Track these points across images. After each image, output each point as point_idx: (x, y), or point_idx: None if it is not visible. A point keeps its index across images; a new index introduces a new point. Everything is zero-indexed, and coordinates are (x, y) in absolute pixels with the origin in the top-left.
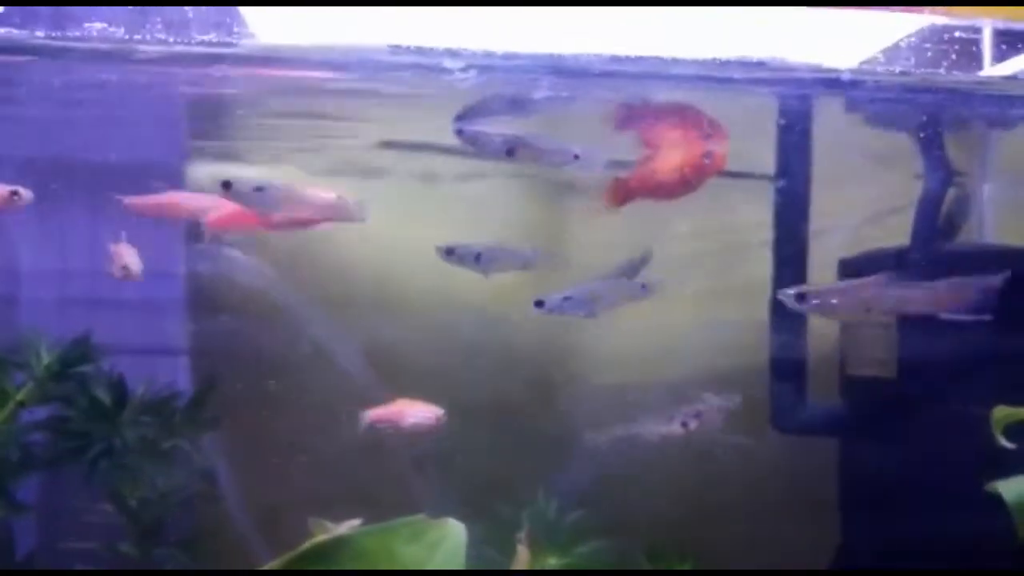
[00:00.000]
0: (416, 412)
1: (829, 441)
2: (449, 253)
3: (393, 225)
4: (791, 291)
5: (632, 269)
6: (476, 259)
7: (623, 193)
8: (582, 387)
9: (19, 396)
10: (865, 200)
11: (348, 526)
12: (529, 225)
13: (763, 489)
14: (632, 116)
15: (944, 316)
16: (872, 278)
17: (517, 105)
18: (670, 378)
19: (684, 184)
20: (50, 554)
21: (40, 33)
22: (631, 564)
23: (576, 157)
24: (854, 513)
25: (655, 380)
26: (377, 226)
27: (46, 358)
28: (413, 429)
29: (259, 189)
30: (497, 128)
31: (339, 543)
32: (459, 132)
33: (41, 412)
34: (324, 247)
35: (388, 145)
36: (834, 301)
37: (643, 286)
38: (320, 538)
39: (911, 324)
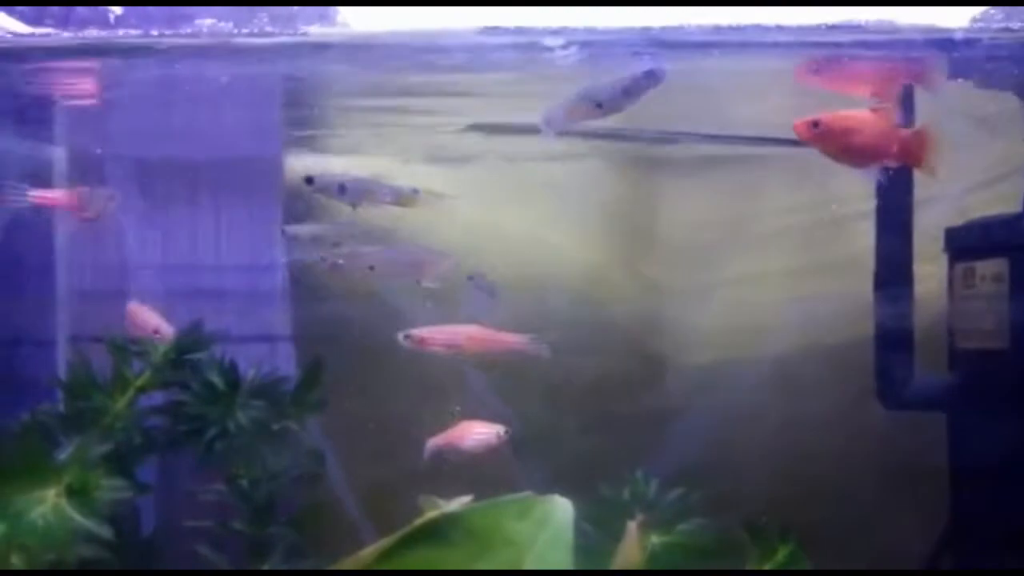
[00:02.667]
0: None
1: (938, 416)
2: (308, 182)
3: (486, 208)
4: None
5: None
6: (340, 190)
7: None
8: (681, 364)
9: (138, 382)
10: (972, 167)
11: (458, 503)
12: (618, 204)
13: (869, 465)
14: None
15: None
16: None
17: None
18: (773, 354)
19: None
20: (170, 532)
21: (155, 32)
22: (732, 541)
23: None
24: (964, 489)
25: (757, 356)
26: (471, 210)
27: (162, 346)
28: (474, 450)
29: (342, 187)
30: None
31: (450, 520)
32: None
33: (158, 397)
34: (419, 233)
35: (479, 128)
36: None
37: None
38: (431, 514)
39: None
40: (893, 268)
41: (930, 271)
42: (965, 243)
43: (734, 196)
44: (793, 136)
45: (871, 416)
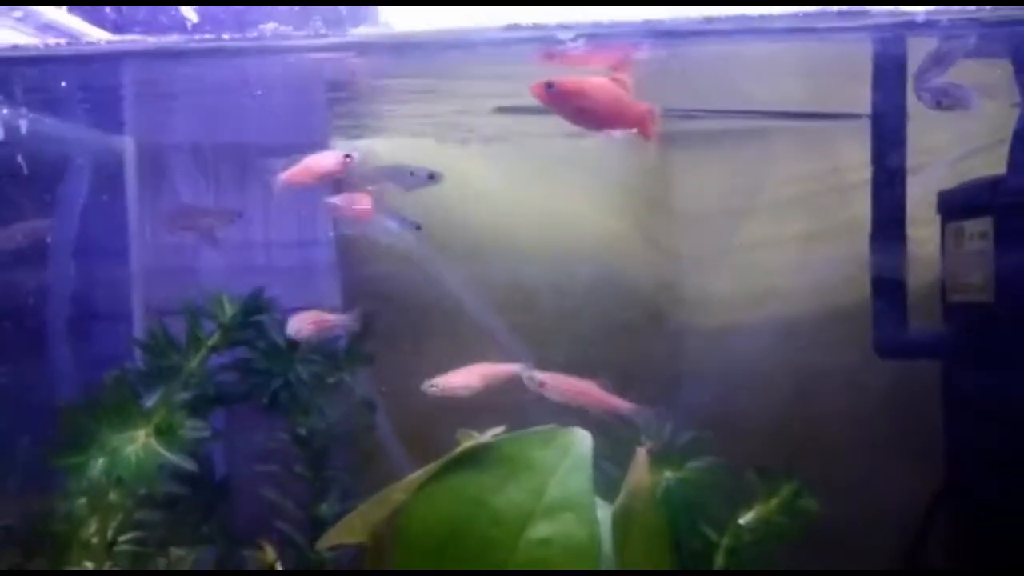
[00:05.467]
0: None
1: (932, 365)
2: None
3: (511, 182)
4: None
5: None
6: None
7: None
8: (695, 326)
9: (210, 342)
10: (971, 133)
11: (491, 434)
12: (638, 176)
13: (873, 417)
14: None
15: None
16: None
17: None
18: (782, 315)
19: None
20: (240, 476)
21: (226, 36)
22: (741, 481)
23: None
24: (956, 435)
25: (767, 317)
26: (501, 186)
27: (230, 310)
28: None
29: None
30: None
31: (484, 448)
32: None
33: (228, 355)
34: (455, 208)
35: (504, 111)
36: None
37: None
38: (467, 444)
39: (1009, 248)
40: (886, 226)
41: (927, 234)
42: (955, 204)
43: (743, 168)
44: (798, 110)
45: (876, 371)
